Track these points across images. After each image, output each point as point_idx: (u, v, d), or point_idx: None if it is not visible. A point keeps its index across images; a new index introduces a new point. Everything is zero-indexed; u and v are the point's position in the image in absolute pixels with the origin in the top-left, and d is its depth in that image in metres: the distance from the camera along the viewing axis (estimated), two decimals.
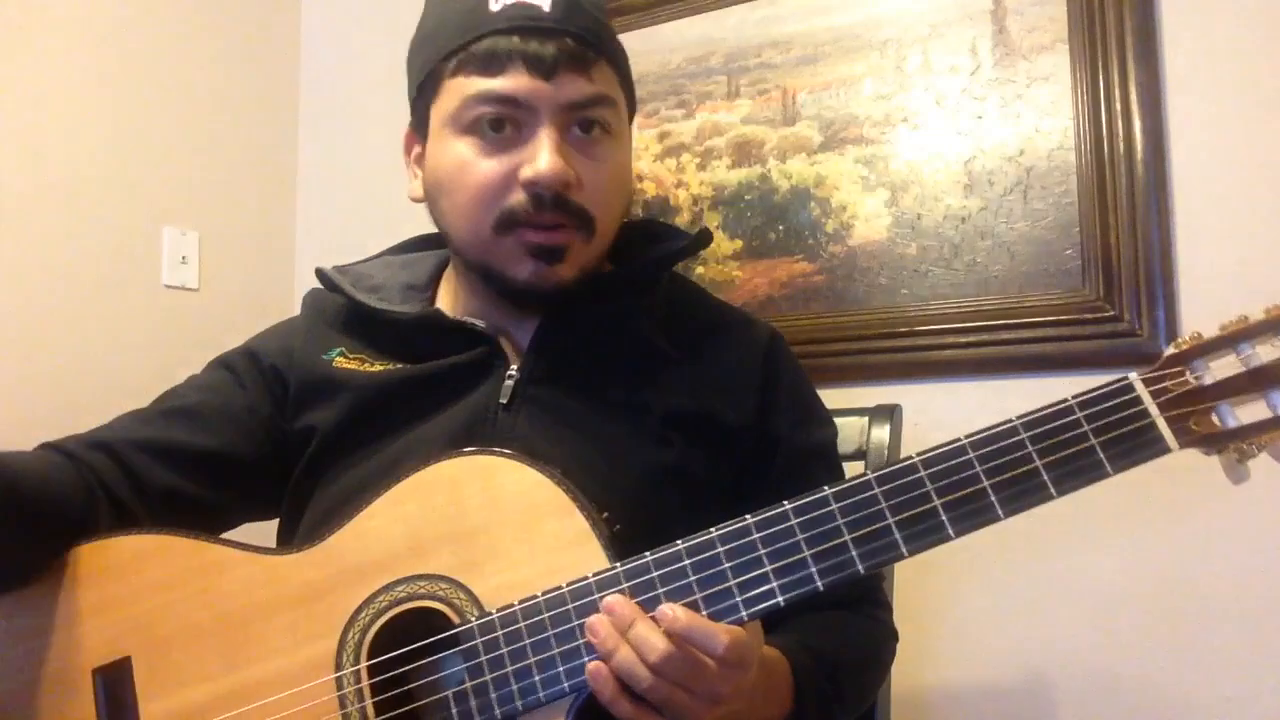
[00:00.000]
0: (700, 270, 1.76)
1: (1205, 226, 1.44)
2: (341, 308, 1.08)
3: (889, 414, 1.30)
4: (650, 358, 1.02)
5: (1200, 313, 1.41)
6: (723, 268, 1.76)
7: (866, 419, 1.30)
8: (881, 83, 1.67)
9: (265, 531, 1.05)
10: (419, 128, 1.03)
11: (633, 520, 0.86)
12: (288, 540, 1.03)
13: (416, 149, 1.05)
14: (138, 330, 1.84)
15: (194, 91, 2.01)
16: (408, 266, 1.13)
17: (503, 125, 0.95)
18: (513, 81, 0.94)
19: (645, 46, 1.85)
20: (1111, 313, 1.48)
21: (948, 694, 1.53)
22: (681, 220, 1.79)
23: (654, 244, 1.09)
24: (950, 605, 1.54)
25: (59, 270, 1.78)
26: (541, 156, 0.93)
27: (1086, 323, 1.49)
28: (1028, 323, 1.53)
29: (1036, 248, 1.54)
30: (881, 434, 1.29)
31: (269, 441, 1.04)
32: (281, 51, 2.21)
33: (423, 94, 1.01)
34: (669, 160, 1.82)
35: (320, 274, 1.09)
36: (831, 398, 1.12)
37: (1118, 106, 1.49)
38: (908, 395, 1.44)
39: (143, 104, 1.92)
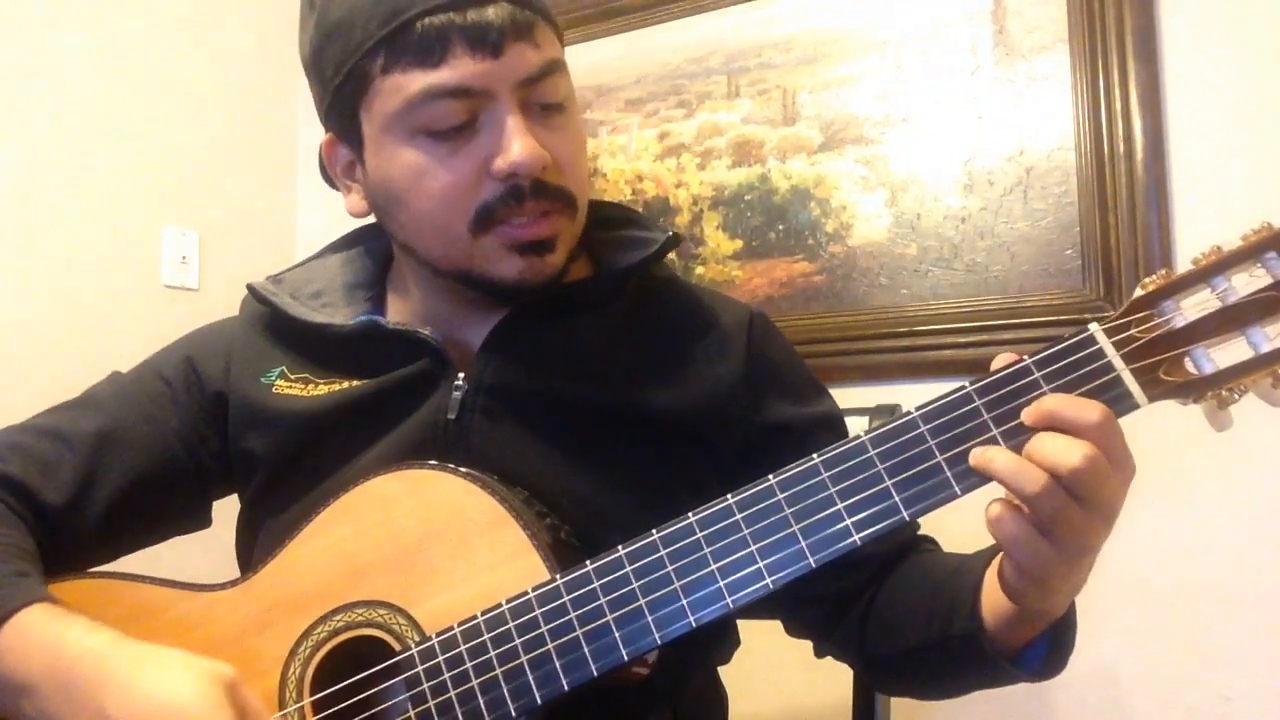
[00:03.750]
0: (700, 270, 1.76)
1: (1205, 226, 1.44)
2: (278, 316, 0.99)
3: (889, 414, 1.30)
4: (611, 359, 0.94)
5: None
6: (723, 268, 1.76)
7: (867, 419, 1.30)
8: (881, 83, 1.67)
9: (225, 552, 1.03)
10: (344, 136, 0.92)
11: (599, 528, 0.82)
12: (245, 569, 0.97)
13: (345, 159, 0.94)
14: (138, 330, 1.84)
15: (194, 92, 2.01)
16: (350, 264, 1.05)
17: (457, 119, 0.85)
18: (458, 69, 0.83)
19: (645, 46, 1.85)
20: (1112, 313, 1.48)
21: None
22: (682, 220, 1.79)
23: (611, 230, 1.01)
24: None
25: (59, 270, 1.78)
26: (514, 144, 0.84)
27: (1086, 323, 1.49)
28: (1028, 323, 1.53)
29: (1036, 248, 1.54)
30: None
31: (192, 462, 0.98)
32: (281, 51, 2.21)
33: (342, 96, 0.89)
34: (669, 160, 1.82)
35: (251, 290, 1.01)
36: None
37: (1118, 106, 1.49)
38: (908, 395, 1.43)
39: (143, 104, 1.92)
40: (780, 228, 1.73)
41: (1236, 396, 0.69)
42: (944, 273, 1.60)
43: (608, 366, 0.93)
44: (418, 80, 0.84)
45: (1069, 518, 0.68)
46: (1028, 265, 1.55)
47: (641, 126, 1.84)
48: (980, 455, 0.70)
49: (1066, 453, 0.67)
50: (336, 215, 1.09)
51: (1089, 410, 0.68)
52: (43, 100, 1.78)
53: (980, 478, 0.71)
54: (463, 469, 0.83)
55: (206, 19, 2.04)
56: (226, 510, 1.04)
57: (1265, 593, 1.37)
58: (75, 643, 0.77)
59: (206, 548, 1.10)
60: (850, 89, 1.69)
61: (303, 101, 2.23)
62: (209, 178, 2.03)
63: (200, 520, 1.03)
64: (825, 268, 1.69)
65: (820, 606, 0.95)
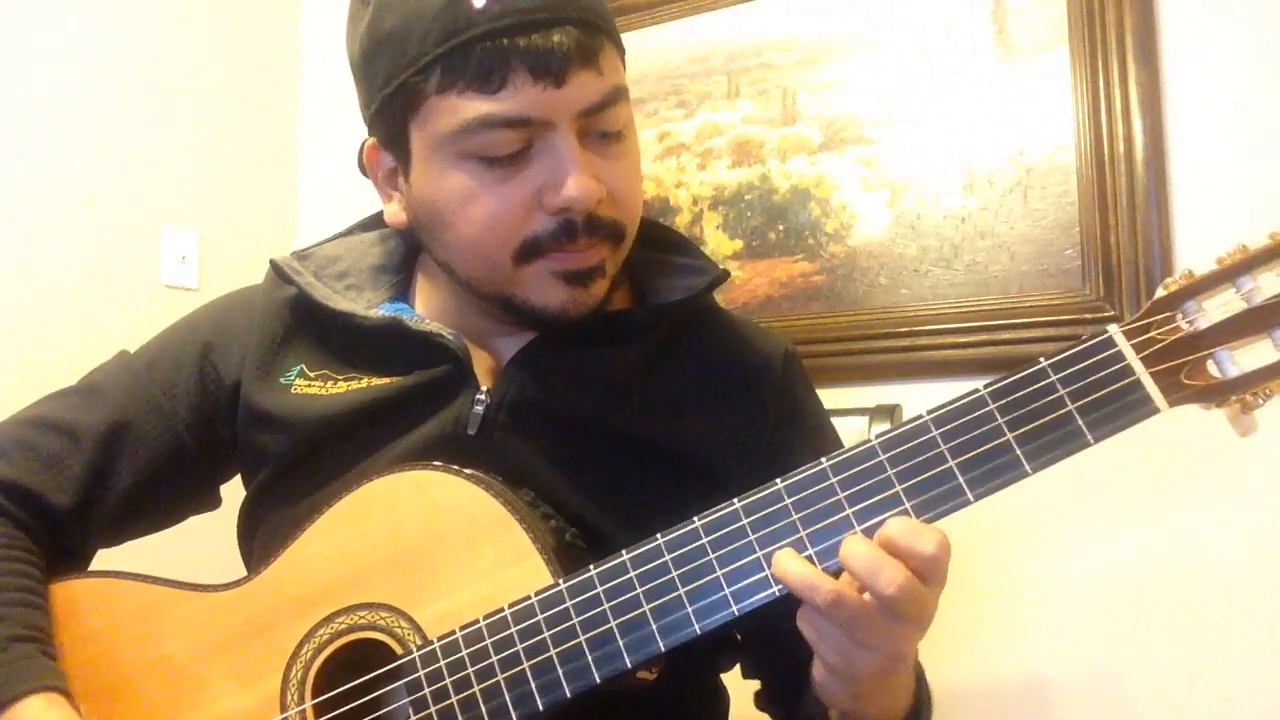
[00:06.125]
0: None
1: (1205, 226, 1.44)
2: (301, 299, 0.97)
3: (889, 414, 1.31)
4: (639, 389, 0.92)
5: None
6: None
7: (866, 419, 1.30)
8: (881, 83, 1.67)
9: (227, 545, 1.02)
10: (390, 144, 0.90)
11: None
12: (248, 562, 0.98)
13: (387, 166, 0.92)
14: (138, 330, 1.83)
15: (194, 91, 2.01)
16: (381, 243, 1.02)
17: (512, 147, 0.82)
18: (520, 98, 0.80)
19: (645, 46, 1.84)
20: (1112, 313, 1.48)
21: (945, 694, 1.53)
22: (682, 220, 1.79)
23: (658, 251, 0.99)
24: (946, 605, 1.53)
25: (59, 270, 1.78)
26: (570, 180, 0.82)
27: (1086, 323, 1.49)
28: (1028, 323, 1.53)
29: (1036, 248, 1.54)
30: None
31: (201, 451, 0.97)
32: (282, 50, 2.21)
33: (391, 107, 0.86)
34: (669, 160, 1.82)
35: (275, 266, 0.98)
36: (831, 398, 1.12)
37: (1118, 106, 1.49)
38: (908, 395, 1.44)
39: (143, 104, 1.92)
40: (780, 228, 1.73)
41: (1261, 401, 0.66)
42: (944, 273, 1.60)
43: (635, 396, 0.92)
44: (475, 106, 0.81)
45: (871, 626, 0.70)
46: (1028, 265, 1.55)
47: (641, 126, 1.84)
48: (777, 563, 0.71)
49: (885, 579, 0.69)
50: (337, 215, 1.08)
51: (924, 542, 0.69)
52: (42, 99, 1.78)
53: (994, 484, 0.70)
54: (467, 470, 0.83)
55: (207, 17, 2.04)
56: (230, 501, 1.04)
57: (1266, 592, 1.37)
58: None
59: (210, 537, 1.10)
60: (850, 89, 1.69)
61: (304, 102, 2.23)
62: (209, 178, 2.03)
63: (209, 503, 1.03)
64: (825, 268, 1.69)
65: (785, 663, 0.93)
